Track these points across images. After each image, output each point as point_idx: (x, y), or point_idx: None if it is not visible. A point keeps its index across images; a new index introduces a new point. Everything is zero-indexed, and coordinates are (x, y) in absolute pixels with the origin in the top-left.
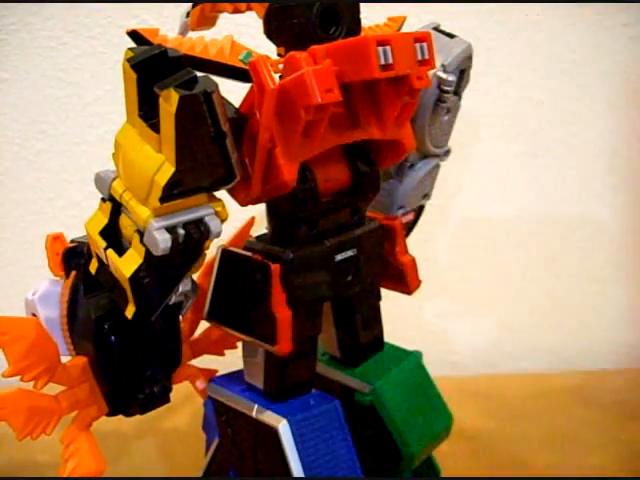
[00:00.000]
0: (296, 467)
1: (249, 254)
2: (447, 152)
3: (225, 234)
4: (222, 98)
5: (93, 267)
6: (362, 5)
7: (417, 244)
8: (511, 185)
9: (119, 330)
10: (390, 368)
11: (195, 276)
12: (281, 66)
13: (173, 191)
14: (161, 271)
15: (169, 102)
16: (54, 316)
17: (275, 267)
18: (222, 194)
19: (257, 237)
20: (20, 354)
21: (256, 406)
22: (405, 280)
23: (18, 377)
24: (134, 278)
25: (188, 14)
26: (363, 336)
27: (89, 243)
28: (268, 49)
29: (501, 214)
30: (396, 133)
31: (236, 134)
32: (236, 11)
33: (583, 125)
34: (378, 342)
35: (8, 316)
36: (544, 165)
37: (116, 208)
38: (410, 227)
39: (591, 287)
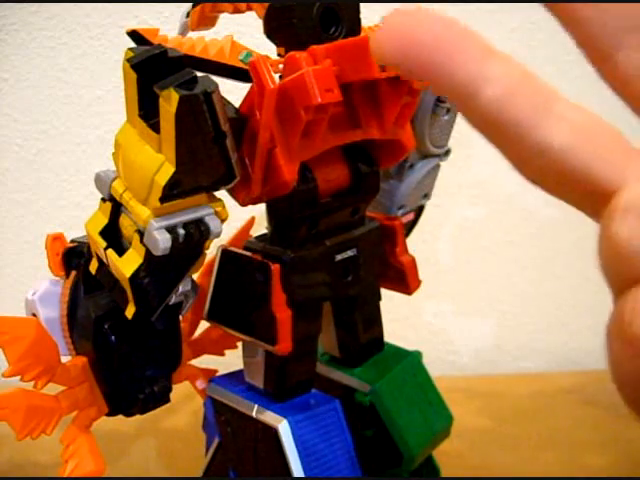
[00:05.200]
0: (296, 467)
1: (249, 254)
2: (447, 152)
3: (225, 234)
4: (222, 98)
5: (93, 267)
6: (362, 5)
7: (417, 244)
8: (511, 185)
9: (119, 330)
10: (390, 368)
11: (195, 276)
12: (281, 66)
13: (173, 191)
14: (161, 271)
15: (169, 102)
16: (54, 316)
17: (275, 267)
18: (222, 194)
19: (257, 237)
20: (20, 354)
21: (256, 406)
22: (405, 280)
23: (18, 377)
24: (134, 278)
25: (188, 14)
26: (363, 336)
27: (89, 243)
28: (268, 49)
29: (501, 214)
30: (396, 133)
31: (236, 134)
32: (236, 11)
33: None
34: (378, 342)
35: (8, 316)
36: None
37: (116, 208)
38: (410, 227)
39: (591, 287)
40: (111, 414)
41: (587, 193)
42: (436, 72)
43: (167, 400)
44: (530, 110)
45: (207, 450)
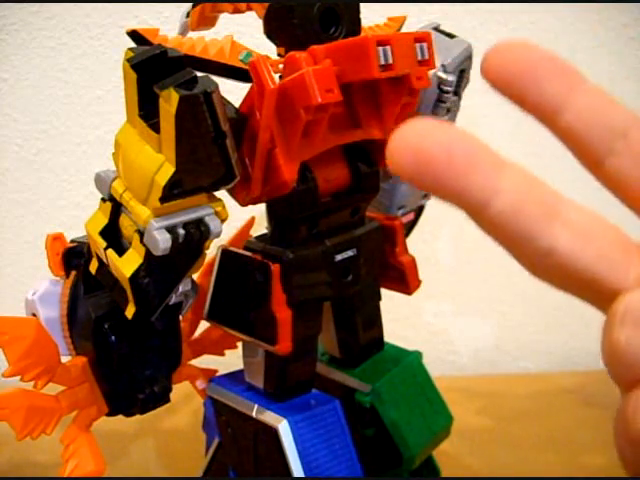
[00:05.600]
0: (296, 467)
1: (249, 254)
2: None
3: (225, 234)
4: (222, 98)
5: (93, 267)
6: (362, 5)
7: (417, 244)
8: None
9: (119, 330)
10: (390, 368)
11: (195, 276)
12: (281, 66)
13: (173, 191)
14: (161, 271)
15: (169, 102)
16: (54, 316)
17: (275, 267)
18: (222, 194)
19: (257, 237)
20: (20, 354)
21: (256, 406)
22: (405, 280)
23: (18, 377)
24: (134, 278)
25: (188, 14)
26: (363, 336)
27: (89, 243)
28: (268, 49)
29: None
30: None
31: (236, 134)
32: (236, 11)
33: None
34: (378, 342)
35: (8, 316)
36: (544, 165)
37: (116, 208)
38: (410, 227)
39: None
40: (111, 414)
41: (592, 292)
42: (448, 187)
43: (167, 400)
44: (537, 218)
45: (207, 450)
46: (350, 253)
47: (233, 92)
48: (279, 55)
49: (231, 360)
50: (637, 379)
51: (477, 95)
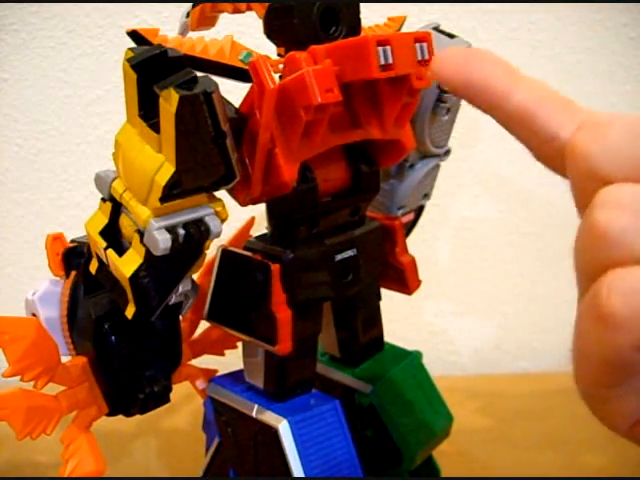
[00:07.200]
0: (296, 467)
1: (249, 254)
2: (447, 152)
3: (225, 234)
4: (222, 98)
5: (93, 267)
6: (362, 5)
7: (417, 244)
8: (511, 185)
9: (119, 330)
10: (390, 368)
11: (195, 276)
12: (281, 66)
13: (173, 191)
14: (161, 271)
15: (169, 102)
16: (54, 316)
17: (275, 267)
18: (222, 194)
19: (257, 237)
20: (20, 354)
21: (256, 406)
22: (405, 280)
23: (18, 377)
24: (134, 278)
25: (188, 14)
26: (363, 336)
27: (89, 243)
28: (268, 49)
29: (501, 214)
30: (396, 133)
31: (236, 134)
32: (236, 11)
33: None
34: (378, 342)
35: (8, 316)
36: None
37: (116, 208)
38: (410, 227)
39: None
40: (111, 414)
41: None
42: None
43: (167, 400)
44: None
45: (207, 450)
46: (350, 253)
47: (233, 92)
48: (279, 55)
49: (231, 360)
50: (611, 260)
51: None
